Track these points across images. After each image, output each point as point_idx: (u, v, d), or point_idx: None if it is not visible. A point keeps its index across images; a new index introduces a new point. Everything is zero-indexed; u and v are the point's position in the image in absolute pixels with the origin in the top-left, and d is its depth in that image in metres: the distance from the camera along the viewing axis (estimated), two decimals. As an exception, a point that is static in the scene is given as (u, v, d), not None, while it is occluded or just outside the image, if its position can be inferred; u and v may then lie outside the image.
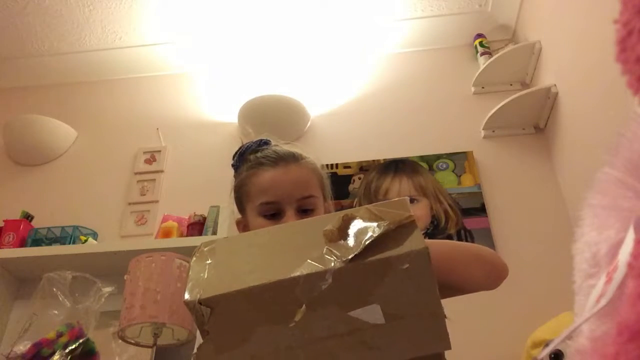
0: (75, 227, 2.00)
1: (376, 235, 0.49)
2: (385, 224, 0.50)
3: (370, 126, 2.22)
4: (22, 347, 1.41)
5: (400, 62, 2.40)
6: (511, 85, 2.21)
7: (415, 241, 0.49)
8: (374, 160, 2.10)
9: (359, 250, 0.49)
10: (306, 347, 0.50)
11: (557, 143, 1.98)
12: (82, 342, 1.43)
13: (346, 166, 2.09)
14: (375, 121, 2.24)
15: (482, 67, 2.20)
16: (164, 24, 2.31)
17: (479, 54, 2.27)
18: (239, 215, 1.01)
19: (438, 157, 2.08)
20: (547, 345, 1.48)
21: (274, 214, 0.90)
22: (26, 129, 2.28)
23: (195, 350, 0.51)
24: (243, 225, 0.98)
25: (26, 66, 2.49)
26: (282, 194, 0.90)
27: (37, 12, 2.24)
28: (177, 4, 2.22)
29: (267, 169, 0.93)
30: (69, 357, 1.39)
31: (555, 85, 1.93)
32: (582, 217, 0.34)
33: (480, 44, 2.28)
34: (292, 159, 0.95)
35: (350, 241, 0.51)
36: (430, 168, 2.05)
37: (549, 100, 1.96)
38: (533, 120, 2.09)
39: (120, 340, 1.49)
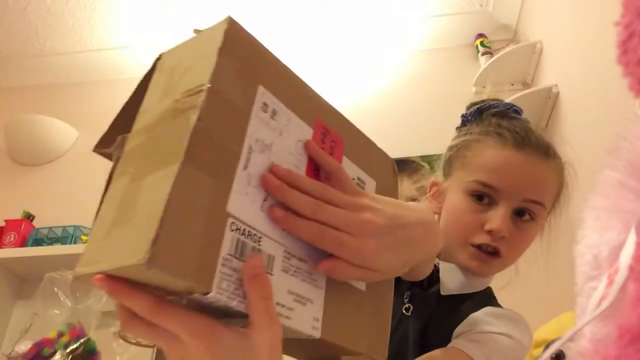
0: (77, 227, 2.00)
1: None
2: None
3: (371, 126, 2.20)
4: (24, 347, 1.41)
5: (401, 61, 2.39)
6: (512, 85, 2.21)
7: None
8: (374, 160, 2.10)
9: None
10: None
11: (558, 143, 1.97)
12: (83, 341, 1.43)
13: (347, 166, 2.09)
14: (375, 121, 2.23)
15: (483, 67, 2.20)
16: (165, 24, 2.31)
17: (480, 54, 2.26)
18: None
19: (439, 157, 2.08)
20: (548, 345, 1.48)
21: (482, 198, 0.73)
22: (27, 128, 2.28)
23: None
24: (437, 191, 0.81)
25: (28, 66, 2.49)
26: (511, 185, 0.71)
27: (38, 12, 2.24)
28: (177, 4, 2.22)
29: (508, 146, 0.73)
30: (70, 357, 1.40)
31: (556, 85, 1.93)
32: (583, 219, 0.34)
33: (482, 43, 2.28)
34: (544, 151, 0.76)
35: None
36: (431, 168, 2.05)
37: (550, 100, 1.96)
38: (534, 120, 2.06)
39: (121, 340, 1.49)
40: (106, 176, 0.44)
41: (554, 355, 1.28)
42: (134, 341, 1.50)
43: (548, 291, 1.72)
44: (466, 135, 0.79)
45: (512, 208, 0.72)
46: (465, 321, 0.68)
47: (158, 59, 0.47)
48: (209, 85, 0.38)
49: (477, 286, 0.76)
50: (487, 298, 0.76)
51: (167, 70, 0.44)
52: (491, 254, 0.72)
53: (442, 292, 0.74)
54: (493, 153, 0.74)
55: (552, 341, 1.44)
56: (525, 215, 0.73)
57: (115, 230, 0.36)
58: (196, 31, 0.45)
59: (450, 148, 0.82)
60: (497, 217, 0.70)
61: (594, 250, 0.32)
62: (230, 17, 0.42)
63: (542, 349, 1.52)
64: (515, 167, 0.72)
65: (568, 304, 0.48)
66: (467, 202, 0.73)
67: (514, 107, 0.85)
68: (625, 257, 0.27)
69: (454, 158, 0.80)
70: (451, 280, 0.75)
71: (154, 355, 1.51)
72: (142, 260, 0.32)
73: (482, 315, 0.69)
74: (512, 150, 0.73)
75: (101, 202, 0.41)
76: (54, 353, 1.39)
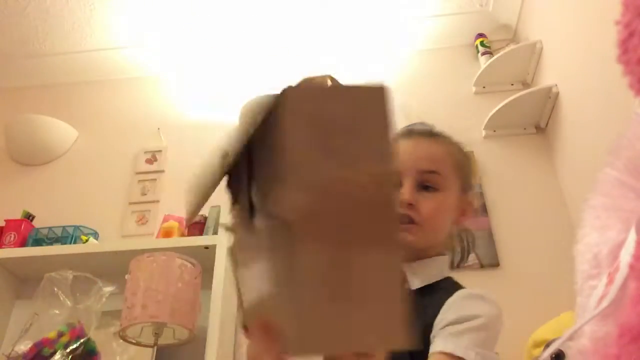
0: (77, 227, 2.00)
1: None
2: None
3: (371, 126, 2.22)
4: (23, 347, 1.41)
5: (401, 61, 2.39)
6: (512, 85, 2.21)
7: None
8: (374, 160, 2.10)
9: None
10: None
11: (558, 143, 1.98)
12: (83, 341, 1.43)
13: (347, 166, 2.09)
14: (376, 121, 2.23)
15: (483, 66, 2.20)
16: (165, 25, 2.31)
17: (480, 54, 2.26)
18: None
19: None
20: (548, 345, 1.48)
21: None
22: (27, 128, 2.28)
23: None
24: None
25: (27, 66, 2.49)
26: (406, 165, 0.88)
27: (38, 12, 2.24)
28: (177, 4, 2.22)
29: (401, 141, 0.92)
30: (69, 357, 1.40)
31: (556, 85, 1.93)
32: (583, 218, 0.34)
33: (482, 43, 2.28)
34: (427, 134, 0.93)
35: None
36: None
37: (550, 100, 1.96)
38: (534, 120, 2.09)
39: (121, 340, 1.49)
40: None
41: (554, 355, 1.28)
42: (133, 341, 1.50)
43: (548, 291, 1.72)
44: None
45: (413, 182, 0.86)
46: (443, 307, 0.76)
47: (284, 91, 0.43)
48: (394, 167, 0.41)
49: (435, 273, 0.86)
50: (454, 285, 0.85)
51: (313, 120, 0.40)
52: (409, 224, 0.84)
53: (412, 287, 0.83)
54: None
55: (552, 341, 1.44)
56: (429, 188, 0.87)
57: (339, 309, 0.37)
58: (338, 85, 0.43)
59: None
60: (402, 192, 0.86)
61: (594, 249, 0.32)
62: (383, 82, 0.44)
63: (542, 349, 1.52)
64: (405, 150, 0.89)
65: (568, 304, 0.49)
66: None
67: (423, 123, 1.01)
68: (626, 255, 0.27)
69: None
70: (415, 275, 0.85)
71: (154, 355, 1.51)
72: (406, 342, 0.35)
73: (457, 299, 0.78)
74: (402, 141, 0.91)
75: (298, 272, 0.41)
76: (54, 353, 1.39)
